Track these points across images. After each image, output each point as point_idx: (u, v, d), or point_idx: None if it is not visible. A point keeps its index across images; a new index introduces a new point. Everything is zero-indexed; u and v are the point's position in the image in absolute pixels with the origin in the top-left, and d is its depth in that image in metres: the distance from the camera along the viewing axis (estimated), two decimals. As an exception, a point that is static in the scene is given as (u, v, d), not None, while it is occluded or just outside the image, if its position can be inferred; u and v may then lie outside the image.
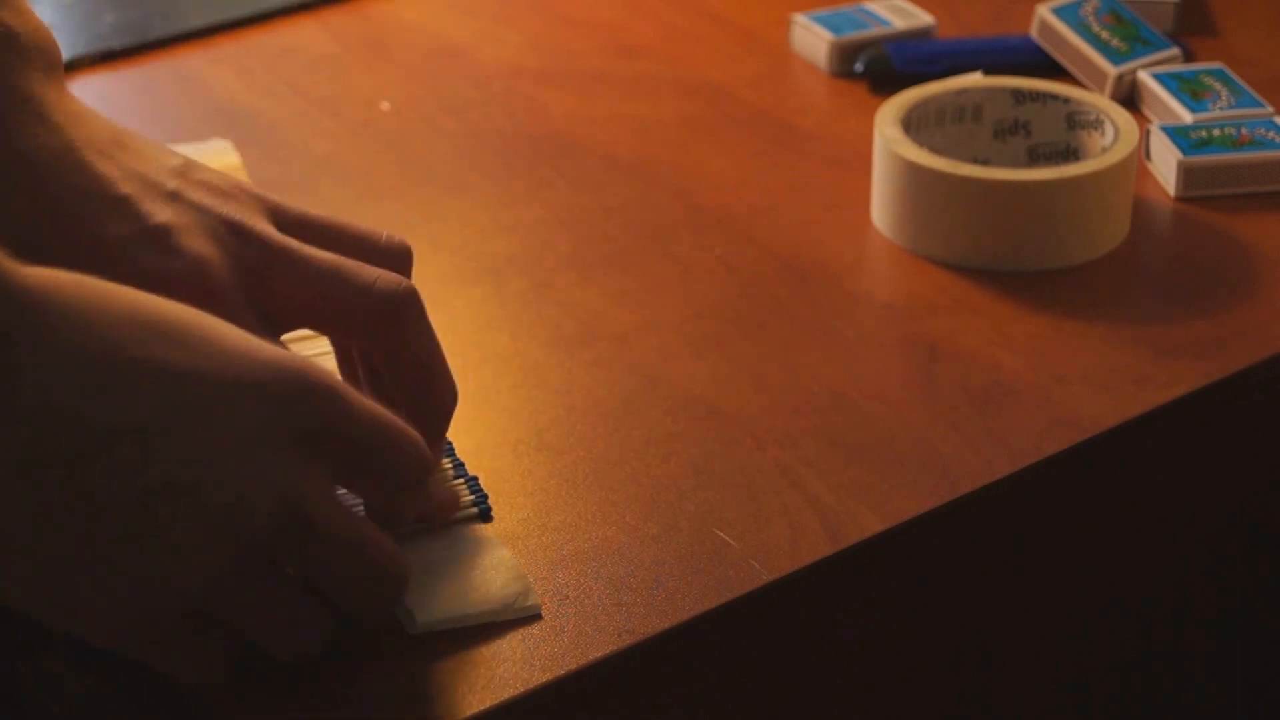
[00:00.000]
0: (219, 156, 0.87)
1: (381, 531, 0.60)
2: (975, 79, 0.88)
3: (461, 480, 0.68)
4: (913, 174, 0.81)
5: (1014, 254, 0.81)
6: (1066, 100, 0.87)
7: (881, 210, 0.84)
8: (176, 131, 0.91)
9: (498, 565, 0.64)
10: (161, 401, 0.55)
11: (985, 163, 0.86)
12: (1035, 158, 0.88)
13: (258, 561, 0.57)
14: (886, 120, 0.84)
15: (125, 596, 0.56)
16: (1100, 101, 0.86)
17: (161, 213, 0.63)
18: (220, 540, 0.56)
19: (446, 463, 0.69)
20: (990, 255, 0.81)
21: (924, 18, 1.00)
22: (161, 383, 0.55)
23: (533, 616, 0.62)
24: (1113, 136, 0.83)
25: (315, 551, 0.58)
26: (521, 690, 0.60)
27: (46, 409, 0.53)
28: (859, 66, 0.96)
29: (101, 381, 0.54)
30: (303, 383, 0.57)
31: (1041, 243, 0.81)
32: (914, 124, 0.85)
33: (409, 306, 0.65)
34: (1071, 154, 0.87)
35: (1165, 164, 0.87)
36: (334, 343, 0.69)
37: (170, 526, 0.55)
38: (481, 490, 0.67)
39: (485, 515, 0.66)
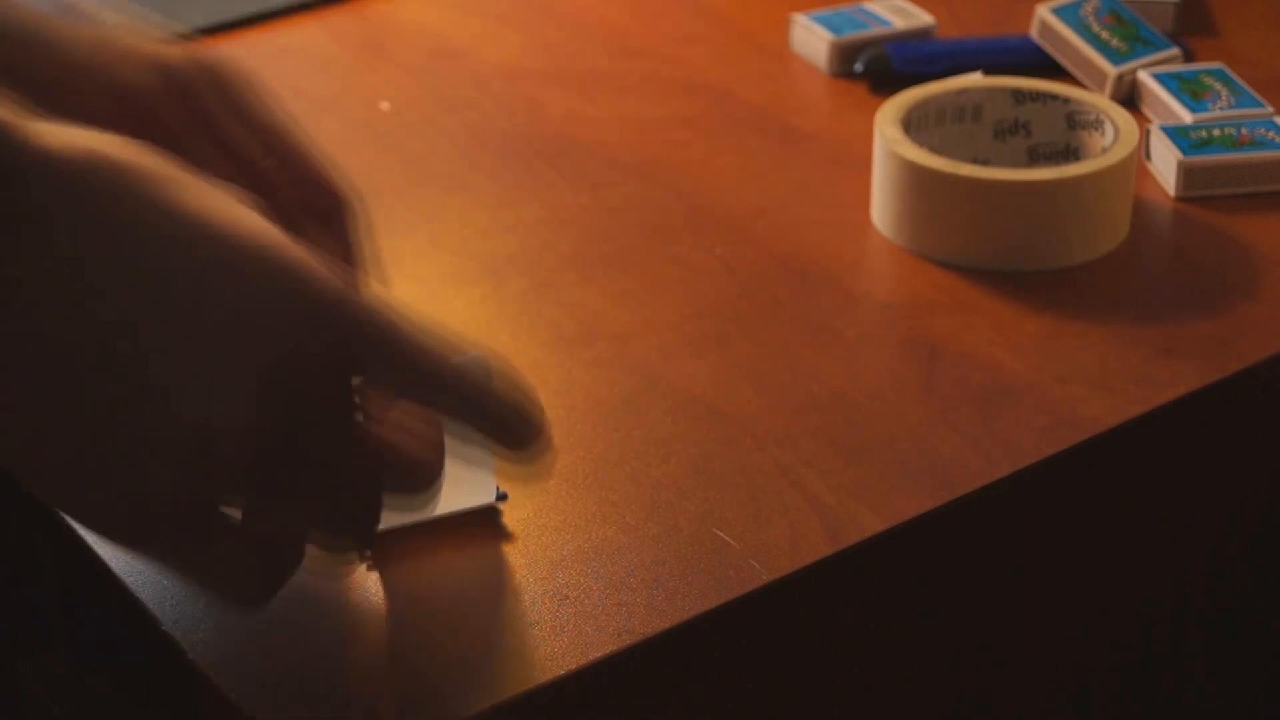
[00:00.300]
0: None
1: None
2: (975, 79, 0.88)
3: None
4: (913, 174, 0.81)
5: (1014, 254, 0.81)
6: (1066, 100, 0.87)
7: (881, 210, 0.84)
8: (176, 131, 0.91)
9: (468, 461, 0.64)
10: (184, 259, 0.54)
11: (985, 163, 0.86)
12: (1035, 158, 0.88)
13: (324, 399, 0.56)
14: (886, 120, 0.84)
15: (178, 447, 0.54)
16: (1100, 101, 0.86)
17: None
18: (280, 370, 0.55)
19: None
20: (990, 255, 0.81)
21: (924, 18, 1.00)
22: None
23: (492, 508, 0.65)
24: (1113, 136, 0.83)
25: (401, 364, 0.56)
26: (521, 690, 0.60)
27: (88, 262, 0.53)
28: (859, 66, 0.96)
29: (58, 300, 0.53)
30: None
31: (1041, 243, 0.81)
32: (914, 124, 0.85)
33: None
34: (1071, 154, 0.87)
35: (1165, 164, 0.87)
36: None
37: (219, 368, 0.54)
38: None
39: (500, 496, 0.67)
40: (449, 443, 0.61)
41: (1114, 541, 0.76)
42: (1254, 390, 0.76)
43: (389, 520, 0.62)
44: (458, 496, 0.65)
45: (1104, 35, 0.95)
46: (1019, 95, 0.88)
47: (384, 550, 0.66)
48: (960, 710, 0.74)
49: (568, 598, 0.63)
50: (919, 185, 0.81)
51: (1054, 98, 0.87)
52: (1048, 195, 0.80)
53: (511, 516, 0.67)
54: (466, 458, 0.63)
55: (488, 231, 0.85)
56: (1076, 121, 0.87)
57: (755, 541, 0.66)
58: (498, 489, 0.66)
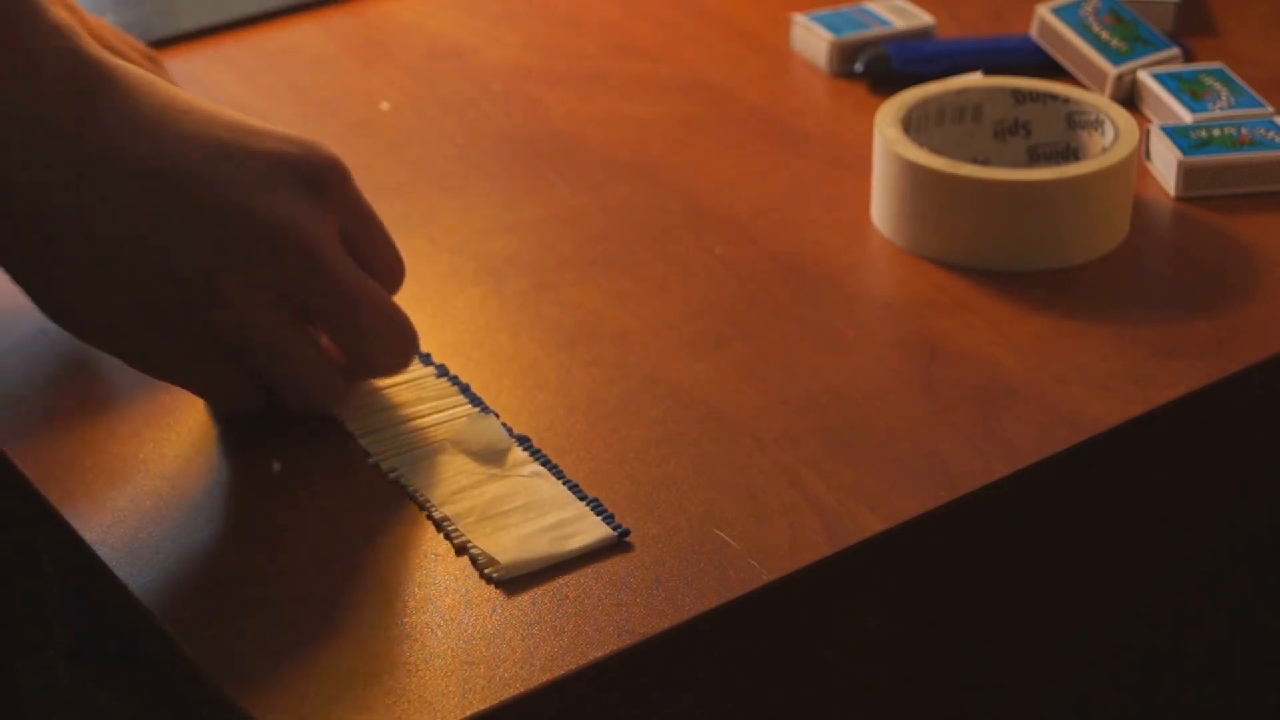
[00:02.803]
0: None
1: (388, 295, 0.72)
2: (975, 79, 0.88)
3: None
4: (913, 174, 0.82)
5: (1014, 254, 0.81)
6: (1066, 100, 0.87)
7: (881, 210, 0.84)
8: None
9: (563, 503, 0.67)
10: (198, 144, 0.67)
11: (985, 163, 0.86)
12: (1035, 158, 0.88)
13: (279, 301, 0.68)
14: (886, 120, 0.84)
15: (171, 325, 0.67)
16: (1100, 101, 0.86)
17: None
18: (244, 271, 0.67)
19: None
20: (990, 255, 0.81)
21: (924, 18, 1.00)
22: (201, 131, 0.68)
23: (622, 539, 0.66)
24: (1113, 136, 0.83)
25: (325, 292, 0.69)
26: (521, 690, 0.60)
27: (119, 150, 0.66)
28: (859, 66, 0.96)
29: (156, 131, 0.67)
30: (317, 147, 0.70)
31: (1041, 243, 0.81)
32: (914, 124, 0.85)
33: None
34: (1071, 154, 0.87)
35: (1165, 164, 0.87)
36: None
37: (202, 252, 0.66)
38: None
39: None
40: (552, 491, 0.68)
41: (1114, 541, 0.76)
42: (1253, 390, 0.76)
43: (528, 559, 0.65)
44: (580, 535, 0.66)
45: (1104, 35, 0.95)
46: (1019, 95, 0.88)
47: (383, 550, 0.66)
48: (960, 710, 0.74)
49: (568, 598, 0.63)
50: (919, 185, 0.81)
51: (1054, 98, 0.87)
52: (1048, 195, 0.80)
53: (511, 516, 0.67)
54: (561, 502, 0.68)
55: (488, 231, 0.85)
56: (1076, 121, 0.87)
57: (755, 541, 0.66)
58: (619, 524, 0.67)
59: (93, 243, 0.66)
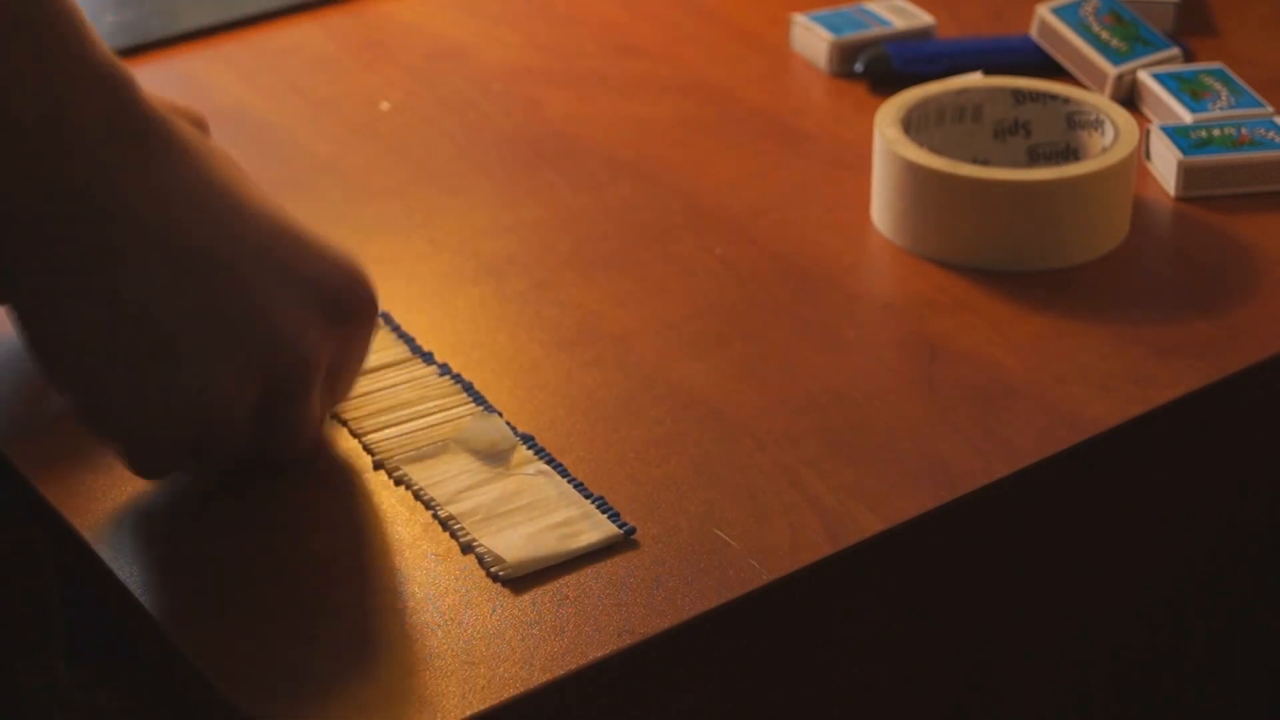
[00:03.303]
0: None
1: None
2: (975, 79, 0.88)
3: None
4: (913, 174, 0.82)
5: (1014, 254, 0.81)
6: (1066, 100, 0.87)
7: (881, 210, 0.84)
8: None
9: (568, 502, 0.67)
10: (232, 236, 0.64)
11: (985, 163, 0.86)
12: (1035, 158, 0.88)
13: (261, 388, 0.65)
14: (886, 120, 0.84)
15: (180, 413, 0.64)
16: (1100, 101, 0.86)
17: None
18: (239, 371, 0.64)
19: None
20: (990, 255, 0.81)
21: (924, 18, 1.00)
22: (240, 221, 0.64)
23: (628, 538, 0.66)
24: (1113, 136, 0.83)
25: (284, 420, 0.66)
26: (521, 690, 0.60)
27: (141, 215, 0.62)
28: (859, 66, 0.96)
29: (188, 206, 0.63)
30: (358, 282, 0.67)
31: (1041, 243, 0.81)
32: (914, 124, 0.85)
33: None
34: (1071, 154, 0.87)
35: (1165, 164, 0.87)
36: None
37: (214, 352, 0.63)
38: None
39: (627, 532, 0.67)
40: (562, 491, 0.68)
41: (1114, 541, 0.76)
42: (1253, 390, 0.76)
43: (534, 558, 0.65)
44: (585, 533, 0.66)
45: (1104, 35, 0.95)
46: (1019, 95, 0.88)
47: (384, 550, 0.66)
48: (960, 710, 0.74)
49: (568, 598, 0.63)
50: (919, 185, 0.81)
51: (1054, 98, 0.87)
52: (1048, 195, 0.80)
53: (511, 516, 0.67)
54: (568, 498, 0.67)
55: (488, 231, 0.85)
56: (1076, 121, 0.87)
57: (755, 541, 0.66)
58: (624, 522, 0.67)
59: (97, 301, 0.62)
